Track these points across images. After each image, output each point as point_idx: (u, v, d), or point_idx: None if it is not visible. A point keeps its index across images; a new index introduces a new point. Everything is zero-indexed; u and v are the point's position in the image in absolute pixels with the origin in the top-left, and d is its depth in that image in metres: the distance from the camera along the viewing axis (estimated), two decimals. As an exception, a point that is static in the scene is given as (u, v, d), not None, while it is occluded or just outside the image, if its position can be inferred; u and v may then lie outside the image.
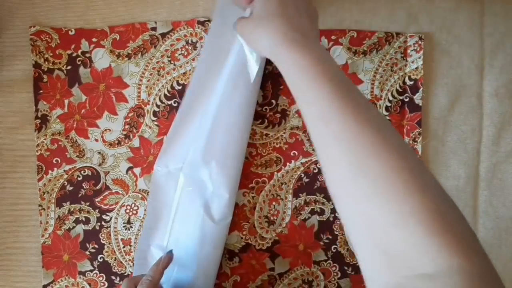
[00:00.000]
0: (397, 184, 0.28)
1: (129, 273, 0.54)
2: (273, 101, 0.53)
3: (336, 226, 0.54)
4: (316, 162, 0.54)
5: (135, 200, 0.53)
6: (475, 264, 0.27)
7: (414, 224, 0.27)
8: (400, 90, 0.54)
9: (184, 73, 0.53)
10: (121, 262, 0.53)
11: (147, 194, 0.53)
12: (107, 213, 0.53)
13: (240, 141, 0.50)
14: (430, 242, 0.27)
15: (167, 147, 0.51)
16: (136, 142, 0.53)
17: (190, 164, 0.50)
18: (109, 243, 0.53)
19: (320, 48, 0.36)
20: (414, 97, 0.54)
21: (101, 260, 0.53)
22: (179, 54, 0.53)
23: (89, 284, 0.53)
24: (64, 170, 0.53)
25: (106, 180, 0.53)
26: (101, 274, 0.53)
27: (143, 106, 0.53)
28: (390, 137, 0.31)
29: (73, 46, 0.52)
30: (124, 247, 0.53)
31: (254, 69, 0.45)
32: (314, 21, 0.40)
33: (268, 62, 0.53)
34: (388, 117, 0.54)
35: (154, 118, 0.53)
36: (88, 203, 0.53)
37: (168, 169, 0.51)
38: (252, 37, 0.39)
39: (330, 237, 0.54)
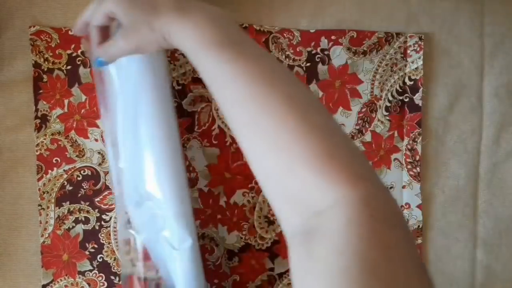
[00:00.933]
0: (284, 134, 0.30)
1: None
2: (273, 101, 0.53)
3: (336, 226, 0.54)
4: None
5: (134, 200, 0.53)
6: (358, 191, 0.28)
7: (302, 169, 0.29)
8: (400, 90, 0.54)
9: (184, 73, 0.53)
10: (120, 262, 0.53)
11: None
12: (107, 213, 0.53)
13: (168, 159, 0.47)
14: (318, 181, 0.29)
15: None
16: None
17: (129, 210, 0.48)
18: (109, 243, 0.53)
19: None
20: (414, 97, 0.54)
21: (101, 260, 0.53)
22: (179, 54, 0.53)
23: (89, 284, 0.53)
24: (64, 170, 0.53)
25: (106, 180, 0.53)
26: (101, 274, 0.53)
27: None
28: (281, 86, 0.32)
29: (73, 46, 0.52)
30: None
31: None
32: None
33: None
34: (388, 117, 0.54)
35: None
36: (87, 203, 0.53)
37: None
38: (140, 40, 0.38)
39: (329, 237, 0.54)
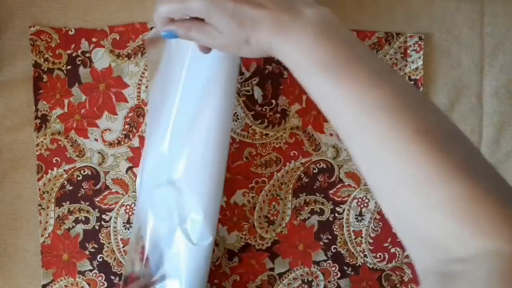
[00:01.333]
0: (418, 175, 0.27)
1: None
2: (273, 101, 0.53)
3: (336, 226, 0.54)
4: (316, 162, 0.54)
5: (135, 200, 0.53)
6: (510, 244, 0.26)
7: (441, 214, 0.27)
8: (400, 90, 0.54)
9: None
10: (120, 262, 0.53)
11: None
12: (107, 213, 0.53)
13: (215, 155, 0.46)
14: (460, 229, 0.26)
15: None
16: (136, 142, 0.53)
17: (152, 189, 0.49)
18: (109, 243, 0.53)
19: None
20: (414, 97, 0.54)
21: (101, 259, 0.53)
22: (179, 54, 0.53)
23: (89, 284, 0.53)
24: (64, 170, 0.53)
25: (106, 179, 0.53)
26: (101, 274, 0.53)
27: (143, 106, 0.53)
28: (409, 113, 0.28)
29: (73, 46, 0.53)
30: (123, 247, 0.53)
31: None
32: None
33: (266, 61, 0.53)
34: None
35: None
36: (87, 203, 0.53)
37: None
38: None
39: (330, 237, 0.54)
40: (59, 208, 0.53)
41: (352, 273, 0.54)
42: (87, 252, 0.53)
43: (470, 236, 0.26)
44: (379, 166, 0.29)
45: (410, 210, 0.28)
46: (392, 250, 0.54)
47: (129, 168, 0.53)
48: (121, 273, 0.53)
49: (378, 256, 0.55)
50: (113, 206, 0.53)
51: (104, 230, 0.53)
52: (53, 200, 0.53)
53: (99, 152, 0.53)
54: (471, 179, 0.27)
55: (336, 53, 0.29)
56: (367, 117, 0.28)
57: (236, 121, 0.53)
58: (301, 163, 0.54)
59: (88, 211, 0.53)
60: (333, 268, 0.54)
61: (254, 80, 0.53)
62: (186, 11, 0.33)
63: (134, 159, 0.53)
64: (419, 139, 0.27)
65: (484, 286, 0.26)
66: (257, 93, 0.53)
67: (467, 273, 0.26)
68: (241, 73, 0.53)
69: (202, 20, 0.33)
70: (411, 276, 0.55)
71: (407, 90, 0.29)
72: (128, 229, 0.53)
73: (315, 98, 0.31)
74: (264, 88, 0.53)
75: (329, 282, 0.54)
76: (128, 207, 0.53)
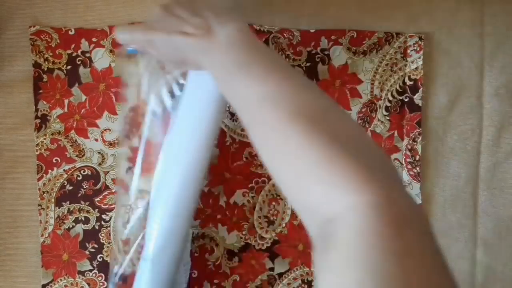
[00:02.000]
0: (296, 149, 0.31)
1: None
2: (273, 101, 0.53)
3: (336, 226, 0.54)
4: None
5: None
6: (366, 196, 0.27)
7: (314, 180, 0.30)
8: (400, 90, 0.54)
9: (184, 73, 0.53)
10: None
11: (148, 194, 0.53)
12: (107, 213, 0.53)
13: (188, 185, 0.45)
14: (327, 192, 0.29)
15: None
16: (135, 142, 0.53)
17: None
18: (109, 243, 0.53)
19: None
20: (414, 97, 0.54)
21: (101, 259, 0.53)
22: (179, 54, 0.53)
23: (88, 284, 0.53)
24: (64, 170, 0.53)
25: (106, 179, 0.53)
26: (100, 273, 0.53)
27: (142, 106, 0.53)
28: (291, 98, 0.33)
29: (73, 46, 0.53)
30: (123, 247, 0.53)
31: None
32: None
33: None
34: (387, 117, 0.54)
35: (154, 118, 0.53)
36: (87, 203, 0.53)
37: None
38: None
39: (329, 237, 0.54)
40: (59, 208, 0.53)
41: (352, 273, 0.54)
42: (87, 252, 0.53)
43: (334, 196, 0.28)
44: (272, 150, 0.33)
45: (294, 182, 0.31)
46: (392, 250, 0.54)
47: (129, 168, 0.53)
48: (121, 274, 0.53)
49: (378, 256, 0.54)
50: (113, 206, 0.53)
51: (104, 230, 0.53)
52: (53, 200, 0.53)
53: (99, 152, 0.53)
54: (332, 144, 0.30)
55: (240, 59, 0.36)
56: (259, 107, 0.33)
57: (236, 121, 0.53)
58: (301, 163, 0.54)
59: (88, 211, 0.53)
60: (333, 268, 0.54)
61: (254, 80, 0.53)
62: (143, 43, 0.43)
63: (134, 159, 0.53)
64: (294, 120, 0.31)
65: (348, 247, 0.26)
66: (257, 93, 0.53)
67: (335, 234, 0.27)
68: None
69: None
70: (411, 276, 0.55)
71: (293, 81, 0.34)
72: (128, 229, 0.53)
73: (229, 100, 0.38)
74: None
75: (329, 282, 0.54)
76: (128, 207, 0.53)
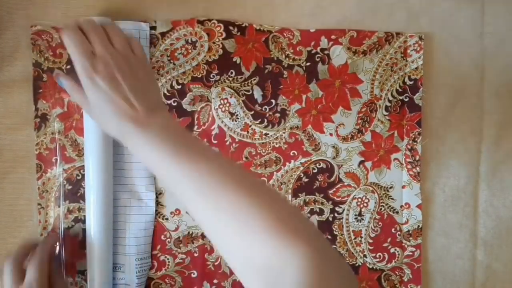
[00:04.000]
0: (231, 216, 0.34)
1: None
2: (273, 100, 0.53)
3: (336, 226, 0.54)
4: (315, 162, 0.54)
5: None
6: (308, 248, 0.31)
7: (259, 239, 0.33)
8: (400, 90, 0.54)
9: (184, 73, 0.53)
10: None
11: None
12: (107, 213, 0.53)
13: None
14: (270, 243, 0.32)
15: None
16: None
17: None
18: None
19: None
20: (414, 97, 0.54)
21: (100, 259, 0.53)
22: (179, 54, 0.53)
23: (88, 284, 0.53)
24: (63, 169, 0.53)
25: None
26: (100, 273, 0.53)
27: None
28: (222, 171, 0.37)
29: (73, 46, 0.52)
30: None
31: None
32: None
33: (266, 61, 0.53)
34: (387, 117, 0.54)
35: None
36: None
37: None
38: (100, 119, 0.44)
39: (329, 237, 0.54)
40: (58, 207, 0.53)
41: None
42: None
43: (275, 251, 0.31)
44: (205, 219, 0.36)
45: (237, 245, 0.34)
46: (392, 250, 0.54)
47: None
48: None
49: (377, 256, 0.54)
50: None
51: (104, 230, 0.53)
52: (52, 199, 0.53)
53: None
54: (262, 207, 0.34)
55: (165, 148, 0.38)
56: (186, 187, 0.37)
57: (236, 121, 0.53)
58: (300, 163, 0.54)
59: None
60: (333, 268, 0.54)
61: (254, 79, 0.53)
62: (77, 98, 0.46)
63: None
64: (228, 193, 0.35)
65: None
66: (257, 93, 0.53)
67: (281, 279, 0.31)
68: (241, 73, 0.53)
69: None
70: (410, 276, 0.55)
71: (214, 162, 0.38)
72: (128, 229, 0.53)
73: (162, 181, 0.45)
74: (263, 87, 0.53)
75: (328, 282, 0.54)
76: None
